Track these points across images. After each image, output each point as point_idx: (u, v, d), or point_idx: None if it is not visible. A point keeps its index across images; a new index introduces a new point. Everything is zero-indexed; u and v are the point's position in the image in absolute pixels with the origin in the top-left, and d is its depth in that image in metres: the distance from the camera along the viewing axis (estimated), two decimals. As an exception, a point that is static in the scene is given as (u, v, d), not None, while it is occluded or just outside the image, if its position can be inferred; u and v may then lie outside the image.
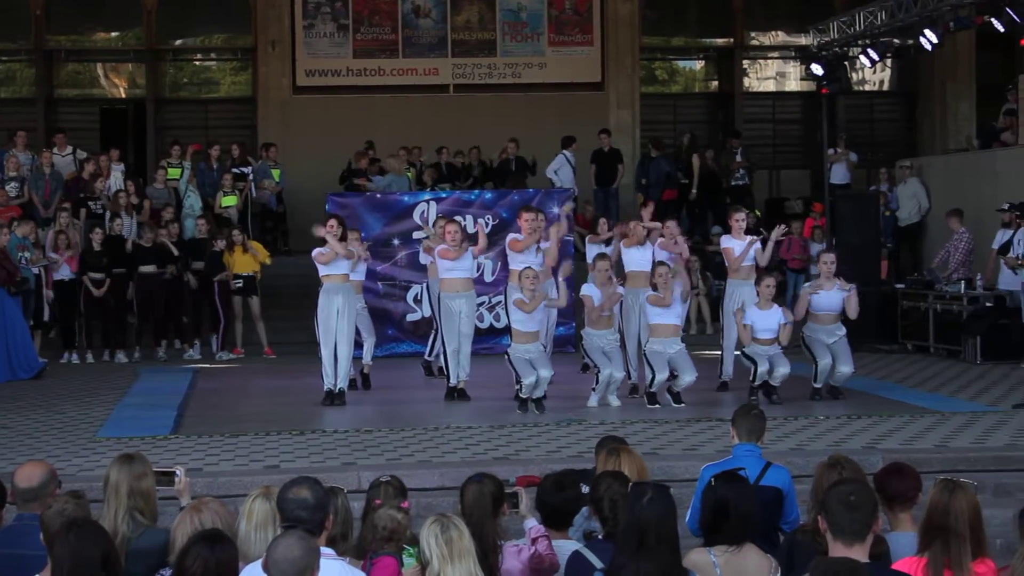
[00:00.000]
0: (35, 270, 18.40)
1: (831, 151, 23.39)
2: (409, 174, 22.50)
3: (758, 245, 15.01)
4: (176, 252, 19.37)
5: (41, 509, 5.95)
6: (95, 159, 21.30)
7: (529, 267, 14.00)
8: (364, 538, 6.35)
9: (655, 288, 14.05)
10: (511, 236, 15.02)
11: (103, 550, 5.14)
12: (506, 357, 13.83)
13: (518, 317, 13.76)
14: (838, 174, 23.03)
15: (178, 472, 6.67)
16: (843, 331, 14.46)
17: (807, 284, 15.29)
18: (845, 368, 14.35)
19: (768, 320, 14.17)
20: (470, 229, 17.53)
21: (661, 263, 14.37)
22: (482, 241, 14.79)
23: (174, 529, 5.77)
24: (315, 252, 14.40)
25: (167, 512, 6.62)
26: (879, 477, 6.46)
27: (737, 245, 15.05)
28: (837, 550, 5.13)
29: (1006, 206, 18.31)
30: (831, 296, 14.38)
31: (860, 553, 5.11)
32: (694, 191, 23.79)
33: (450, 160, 23.65)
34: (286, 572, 4.84)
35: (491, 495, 6.47)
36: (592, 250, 15.48)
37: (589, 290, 14.24)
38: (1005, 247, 18.06)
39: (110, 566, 5.14)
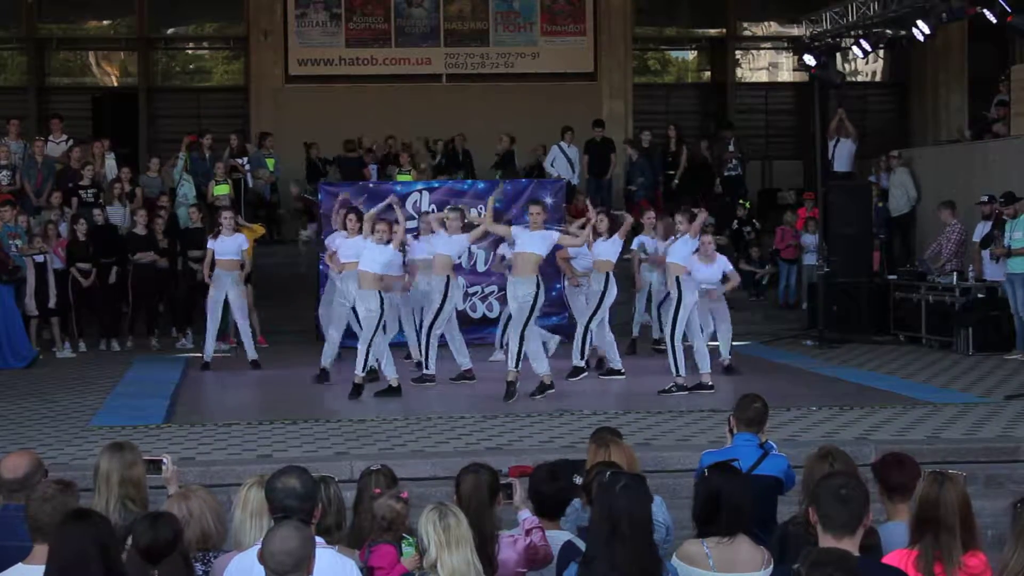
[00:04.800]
0: (40, 258, 18.35)
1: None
2: (410, 176, 22.38)
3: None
4: (165, 244, 19.41)
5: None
6: (83, 147, 21.27)
7: None
8: (361, 527, 6.34)
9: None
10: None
11: (102, 541, 5.07)
12: None
13: None
14: (841, 159, 22.29)
15: (165, 460, 6.67)
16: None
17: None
18: None
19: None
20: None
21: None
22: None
23: None
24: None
25: (157, 501, 6.62)
26: (878, 468, 6.46)
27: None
28: (827, 543, 5.14)
29: (985, 198, 18.34)
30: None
31: (850, 546, 5.11)
32: (676, 182, 23.62)
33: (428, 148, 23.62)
34: (283, 563, 4.82)
35: (488, 485, 6.45)
36: (602, 247, 15.31)
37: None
38: (986, 239, 18.07)
39: (109, 558, 5.09)
